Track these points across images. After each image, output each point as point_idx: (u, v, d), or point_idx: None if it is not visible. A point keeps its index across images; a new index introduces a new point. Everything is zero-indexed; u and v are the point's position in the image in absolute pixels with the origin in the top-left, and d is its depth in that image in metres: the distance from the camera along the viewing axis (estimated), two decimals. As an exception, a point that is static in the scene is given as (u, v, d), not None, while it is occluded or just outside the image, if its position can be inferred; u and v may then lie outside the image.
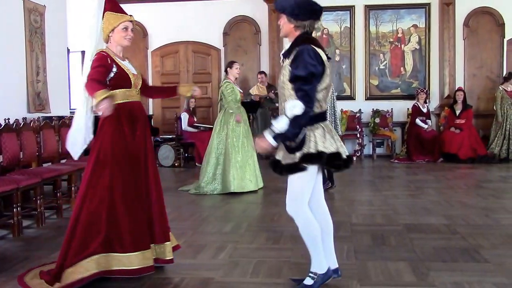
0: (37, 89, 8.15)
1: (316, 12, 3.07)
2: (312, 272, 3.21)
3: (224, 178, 6.85)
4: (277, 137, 2.91)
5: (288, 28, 3.09)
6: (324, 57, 3.03)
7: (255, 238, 4.55)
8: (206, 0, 11.25)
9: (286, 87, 3.03)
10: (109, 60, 3.41)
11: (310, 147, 2.98)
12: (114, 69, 3.42)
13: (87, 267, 3.27)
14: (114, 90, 3.40)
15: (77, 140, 3.61)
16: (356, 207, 5.82)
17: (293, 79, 2.95)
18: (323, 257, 3.21)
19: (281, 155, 3.12)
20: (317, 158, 2.98)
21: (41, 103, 8.24)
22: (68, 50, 9.96)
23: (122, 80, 3.46)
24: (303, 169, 3.00)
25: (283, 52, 3.16)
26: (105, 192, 3.35)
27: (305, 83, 2.91)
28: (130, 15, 3.52)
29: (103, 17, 3.48)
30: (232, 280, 3.51)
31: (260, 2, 10.86)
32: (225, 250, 4.19)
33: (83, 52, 11.13)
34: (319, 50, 3.02)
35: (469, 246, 4.15)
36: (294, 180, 3.08)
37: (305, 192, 3.11)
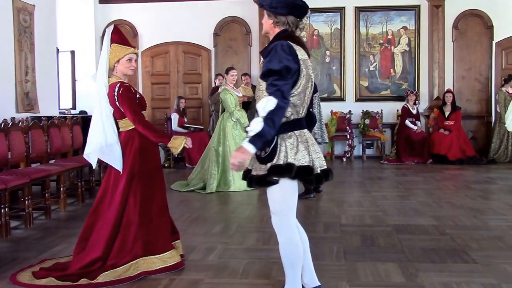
0: (26, 89, 8.10)
1: (298, 7, 2.78)
2: None
3: (224, 178, 7.13)
4: (254, 141, 2.54)
5: (268, 25, 2.83)
6: (302, 56, 2.74)
7: (244, 239, 4.55)
8: (197, 1, 11.24)
9: (259, 87, 2.77)
10: (132, 90, 3.82)
11: (280, 158, 2.68)
12: (137, 96, 3.83)
13: (132, 268, 3.58)
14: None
15: (93, 147, 3.80)
16: (345, 208, 5.84)
17: (265, 73, 2.64)
18: (299, 285, 2.92)
19: (251, 165, 2.84)
20: (286, 170, 2.67)
21: (30, 103, 8.19)
22: (58, 49, 9.90)
23: (142, 105, 3.85)
24: (273, 182, 2.70)
25: (261, 50, 2.94)
26: (142, 202, 3.67)
27: (279, 78, 2.60)
28: (134, 47, 3.89)
29: (110, 48, 3.80)
30: (222, 281, 3.51)
31: (251, 3, 10.87)
32: (214, 251, 4.19)
33: (72, 52, 11.08)
34: (297, 48, 2.74)
35: (458, 247, 4.17)
36: (274, 193, 2.77)
37: (289, 206, 2.80)
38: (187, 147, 3.71)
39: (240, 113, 7.37)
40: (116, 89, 3.69)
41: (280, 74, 2.61)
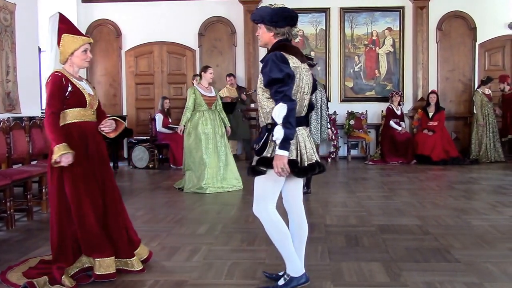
0: (7, 89, 7.99)
1: (293, 18, 3.14)
2: (286, 274, 3.25)
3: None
4: (283, 146, 2.92)
5: (267, 37, 3.16)
6: (293, 64, 3.06)
7: (229, 240, 4.53)
8: (181, 0, 11.18)
9: (259, 92, 3.14)
10: (63, 80, 3.44)
11: (268, 152, 3.02)
12: (70, 88, 3.45)
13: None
14: (69, 109, 3.48)
15: None
16: (330, 209, 5.85)
17: (270, 82, 2.98)
18: (297, 260, 3.23)
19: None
20: (272, 162, 2.99)
21: (11, 103, 8.08)
22: (39, 49, 9.77)
23: (77, 100, 3.48)
24: (261, 172, 3.06)
25: (261, 59, 3.24)
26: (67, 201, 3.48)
27: (283, 85, 2.95)
28: (88, 37, 3.59)
29: (59, 39, 3.48)
30: (207, 282, 3.49)
31: (236, 3, 10.85)
32: (199, 252, 4.17)
33: (55, 52, 10.94)
34: (290, 56, 3.08)
35: (441, 247, 4.20)
36: (258, 183, 3.15)
37: (268, 195, 3.14)
38: (58, 161, 3.35)
39: (187, 116, 7.17)
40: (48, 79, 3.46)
41: (283, 81, 2.96)
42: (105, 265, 3.47)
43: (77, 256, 3.52)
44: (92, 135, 3.59)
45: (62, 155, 3.32)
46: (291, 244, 3.19)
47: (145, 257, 3.82)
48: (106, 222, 3.57)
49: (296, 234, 3.29)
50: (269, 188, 3.13)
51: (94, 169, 3.54)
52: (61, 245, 3.45)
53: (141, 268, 3.66)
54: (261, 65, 3.18)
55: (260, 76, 3.09)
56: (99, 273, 3.45)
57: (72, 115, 3.49)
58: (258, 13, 3.14)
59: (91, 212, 3.46)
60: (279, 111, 2.91)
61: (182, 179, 7.46)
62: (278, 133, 2.91)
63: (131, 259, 3.64)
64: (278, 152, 2.92)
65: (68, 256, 3.46)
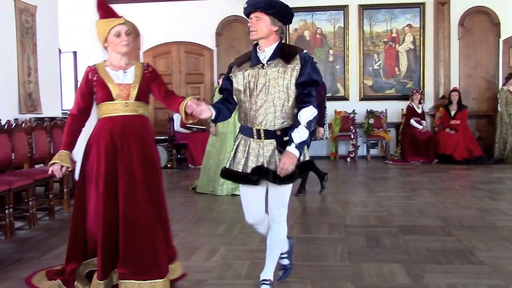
0: (29, 90, 8.09)
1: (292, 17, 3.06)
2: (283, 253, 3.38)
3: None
4: (299, 147, 2.86)
5: (270, 30, 2.92)
6: None
7: (248, 240, 4.51)
8: (198, 0, 11.20)
9: (285, 90, 2.90)
10: (89, 76, 3.19)
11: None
12: (95, 82, 3.18)
13: None
14: (100, 104, 3.19)
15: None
16: (350, 209, 5.79)
17: (310, 83, 2.89)
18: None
19: (274, 165, 2.93)
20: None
21: (32, 104, 8.17)
22: (60, 50, 9.88)
23: (103, 93, 3.16)
24: (300, 177, 3.12)
25: (271, 54, 2.94)
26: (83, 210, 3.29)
27: (314, 89, 2.93)
28: (120, 17, 3.20)
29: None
30: (225, 282, 3.48)
31: (254, 2, 10.82)
32: (218, 252, 4.16)
33: (74, 53, 11.09)
34: None
35: (464, 248, 4.12)
36: (287, 190, 3.04)
37: (288, 201, 3.13)
38: (54, 171, 3.15)
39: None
40: None
41: (318, 85, 2.95)
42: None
43: (88, 256, 3.33)
44: (126, 131, 3.15)
45: (51, 164, 3.16)
46: None
47: (175, 277, 3.37)
48: (132, 232, 3.11)
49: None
50: (290, 194, 3.11)
51: (117, 170, 3.13)
52: (72, 244, 3.35)
53: None
54: (265, 60, 2.93)
55: (295, 73, 2.88)
56: None
57: (102, 110, 3.18)
58: (270, 3, 2.86)
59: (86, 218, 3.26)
60: (309, 114, 2.86)
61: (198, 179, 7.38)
62: (304, 134, 2.84)
63: (158, 280, 3.10)
64: (294, 151, 2.82)
65: (78, 257, 3.33)
